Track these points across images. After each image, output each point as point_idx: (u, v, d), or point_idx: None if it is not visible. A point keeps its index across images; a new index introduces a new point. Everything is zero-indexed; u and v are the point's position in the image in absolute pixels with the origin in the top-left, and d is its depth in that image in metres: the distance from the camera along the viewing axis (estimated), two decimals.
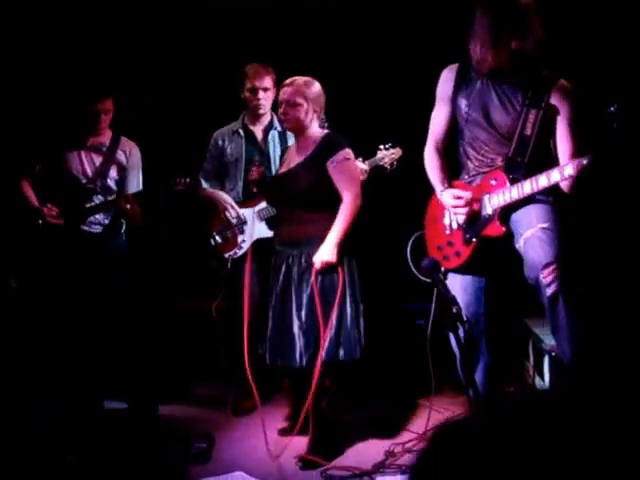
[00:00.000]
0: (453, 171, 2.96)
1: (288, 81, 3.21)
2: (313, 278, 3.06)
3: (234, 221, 3.71)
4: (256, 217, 3.67)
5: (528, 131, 2.72)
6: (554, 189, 2.64)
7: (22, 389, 3.62)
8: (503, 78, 2.77)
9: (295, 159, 3.23)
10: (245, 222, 3.70)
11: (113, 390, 3.76)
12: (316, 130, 3.23)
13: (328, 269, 3.07)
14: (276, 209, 3.42)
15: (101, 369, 3.72)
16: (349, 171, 3.17)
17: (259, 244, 3.64)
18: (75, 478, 2.87)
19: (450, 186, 2.90)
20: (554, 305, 2.63)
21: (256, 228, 3.67)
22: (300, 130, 3.21)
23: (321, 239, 3.07)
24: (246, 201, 3.74)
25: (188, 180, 3.71)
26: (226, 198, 3.74)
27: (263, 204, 3.65)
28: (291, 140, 3.57)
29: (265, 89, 3.76)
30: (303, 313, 3.08)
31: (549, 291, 2.61)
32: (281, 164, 3.39)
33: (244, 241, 3.70)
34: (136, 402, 3.68)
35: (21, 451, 2.95)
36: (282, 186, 3.23)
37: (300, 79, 3.19)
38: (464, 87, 2.85)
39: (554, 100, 2.71)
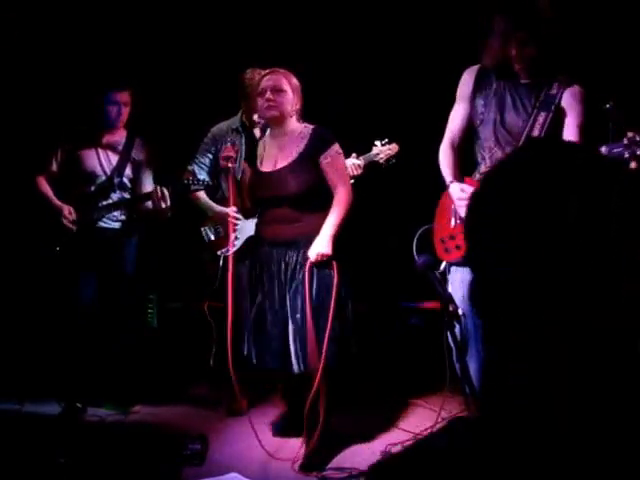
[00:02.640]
0: (466, 170, 2.99)
1: (268, 70, 3.16)
2: (307, 273, 3.00)
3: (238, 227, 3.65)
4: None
5: (536, 132, 2.73)
6: None
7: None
8: (519, 81, 2.79)
9: (282, 156, 3.12)
10: (239, 219, 3.65)
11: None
12: (297, 124, 3.14)
13: (323, 264, 3.01)
14: (262, 208, 3.23)
15: (95, 370, 3.70)
16: (341, 166, 3.14)
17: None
18: None
19: (461, 181, 2.94)
20: None
21: (249, 225, 3.62)
22: (281, 121, 3.11)
23: (314, 237, 3.02)
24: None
25: (202, 181, 3.64)
26: (227, 211, 3.58)
27: None
28: None
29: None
30: (299, 316, 3.02)
31: None
32: (256, 159, 3.22)
33: (237, 238, 3.63)
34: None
35: (13, 453, 2.92)
36: (273, 185, 3.11)
37: (279, 69, 3.15)
38: (482, 88, 2.89)
39: (565, 104, 2.72)
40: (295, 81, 3.14)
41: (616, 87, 3.90)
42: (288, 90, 3.09)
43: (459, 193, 2.86)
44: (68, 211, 3.68)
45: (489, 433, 1.45)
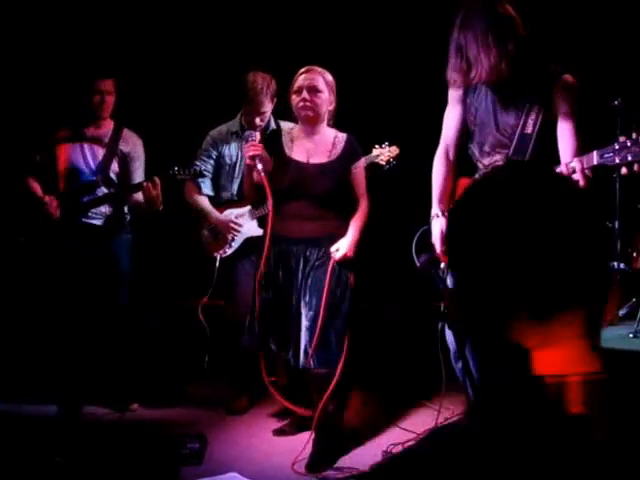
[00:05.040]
0: (464, 171, 2.92)
1: (305, 68, 3.12)
2: (330, 270, 2.99)
3: (239, 234, 3.63)
4: (248, 216, 3.61)
5: (529, 129, 2.65)
6: None
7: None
8: (507, 79, 2.66)
9: (316, 153, 3.10)
10: (241, 225, 3.64)
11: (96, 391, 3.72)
12: (328, 128, 3.15)
13: (343, 265, 3.03)
14: (280, 203, 3.08)
15: (89, 369, 3.66)
16: (365, 177, 3.17)
17: (253, 242, 3.57)
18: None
19: (455, 184, 2.86)
20: None
21: (247, 227, 3.61)
22: (316, 121, 3.11)
23: (335, 236, 3.04)
24: (239, 201, 3.67)
25: (190, 170, 3.62)
26: (226, 218, 3.64)
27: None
28: None
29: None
30: (312, 313, 3.00)
31: None
32: (283, 147, 3.15)
33: (234, 240, 3.65)
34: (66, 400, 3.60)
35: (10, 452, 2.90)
36: (302, 178, 3.05)
37: (316, 67, 3.12)
38: (473, 90, 2.80)
39: (555, 96, 2.62)
40: (331, 79, 3.13)
41: (624, 84, 3.89)
42: (325, 90, 3.08)
43: (438, 232, 2.73)
44: (49, 200, 3.59)
45: (473, 439, 1.48)
